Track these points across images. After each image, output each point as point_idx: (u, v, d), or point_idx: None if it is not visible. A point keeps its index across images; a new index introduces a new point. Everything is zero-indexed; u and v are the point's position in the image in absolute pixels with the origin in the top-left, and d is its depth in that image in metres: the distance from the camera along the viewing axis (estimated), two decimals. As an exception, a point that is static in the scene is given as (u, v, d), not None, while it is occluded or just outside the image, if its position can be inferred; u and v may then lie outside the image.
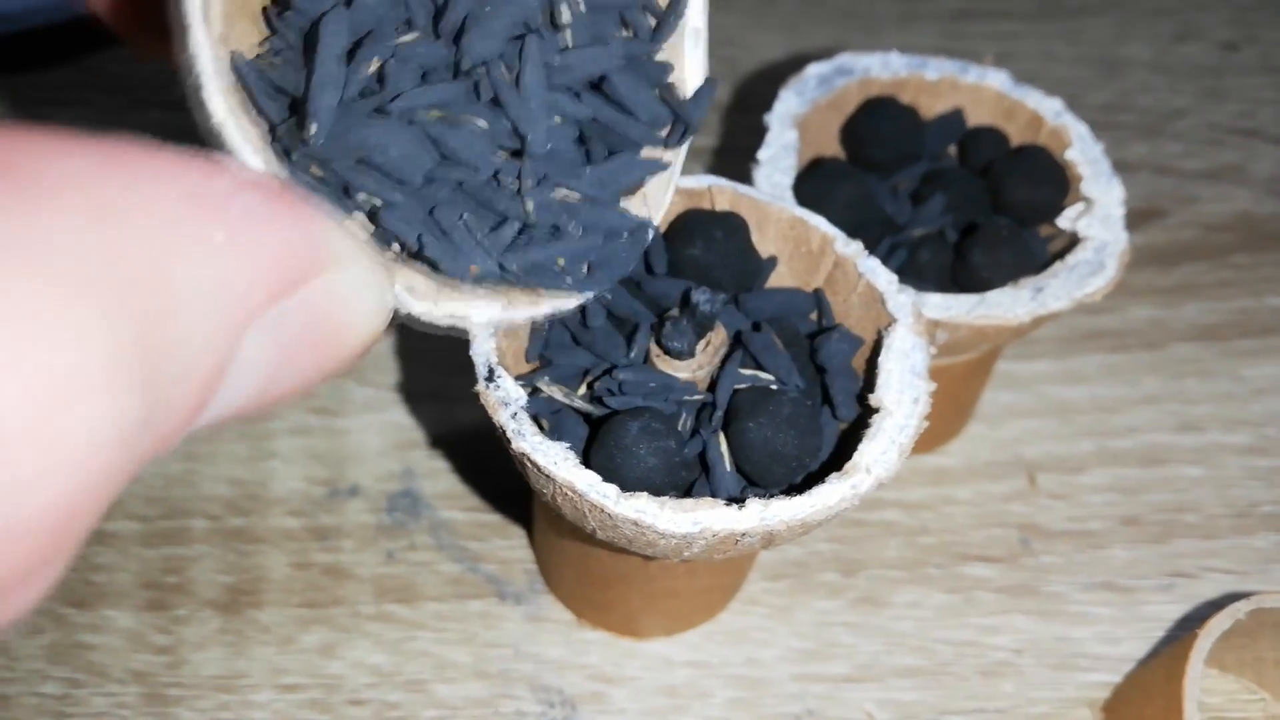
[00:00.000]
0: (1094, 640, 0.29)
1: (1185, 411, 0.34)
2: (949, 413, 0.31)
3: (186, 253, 0.12)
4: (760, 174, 0.28)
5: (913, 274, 0.28)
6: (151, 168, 0.12)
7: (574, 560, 0.27)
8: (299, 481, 0.31)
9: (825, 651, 0.29)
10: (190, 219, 0.12)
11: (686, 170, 0.44)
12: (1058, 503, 0.32)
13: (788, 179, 0.28)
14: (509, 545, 0.30)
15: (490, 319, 0.19)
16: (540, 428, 0.23)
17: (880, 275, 0.24)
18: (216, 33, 0.16)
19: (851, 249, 0.24)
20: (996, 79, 0.30)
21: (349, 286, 0.14)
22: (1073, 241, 0.28)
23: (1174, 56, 0.47)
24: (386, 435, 0.33)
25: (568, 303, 0.20)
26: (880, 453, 0.21)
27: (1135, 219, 0.40)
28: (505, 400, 0.21)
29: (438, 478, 0.32)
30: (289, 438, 0.32)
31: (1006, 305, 0.26)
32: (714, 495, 0.22)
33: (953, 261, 0.28)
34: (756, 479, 0.22)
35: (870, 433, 0.21)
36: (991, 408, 0.34)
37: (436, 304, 0.18)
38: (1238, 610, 0.25)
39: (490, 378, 0.21)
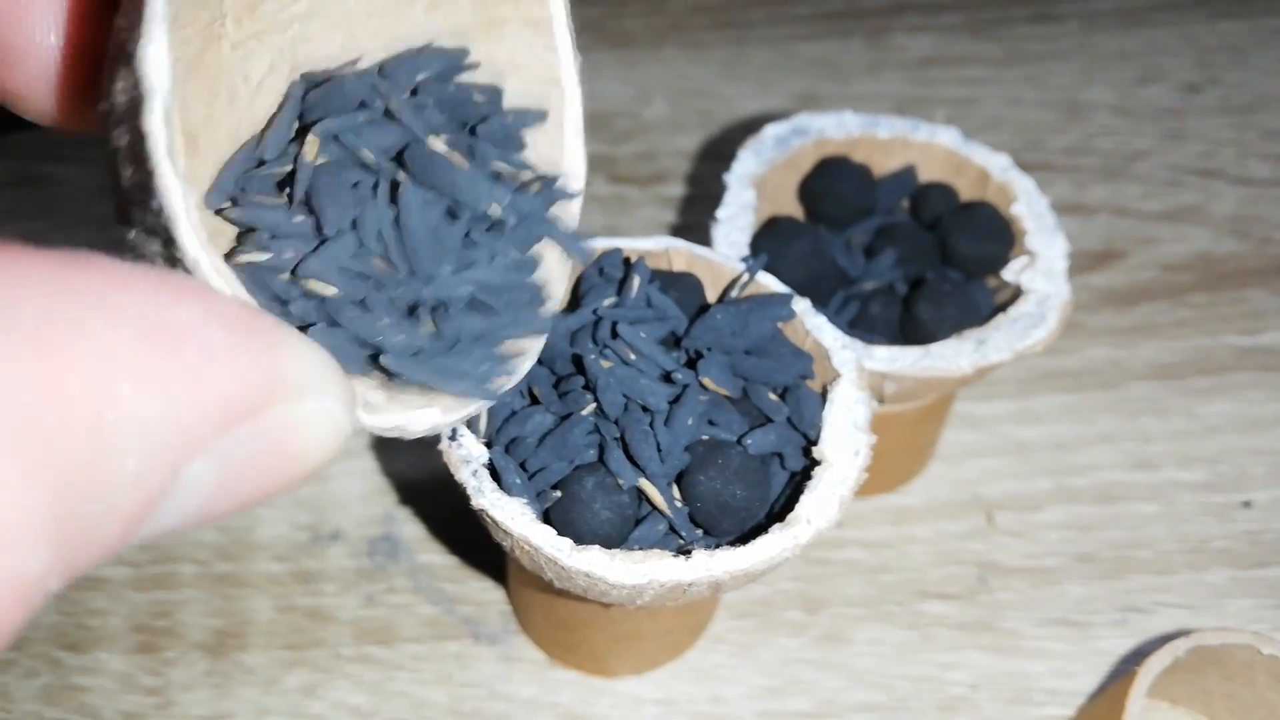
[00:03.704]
0: (1048, 675, 0.30)
1: (1141, 449, 0.36)
2: (906, 455, 0.33)
3: (129, 392, 0.11)
4: (719, 232, 0.29)
5: (864, 326, 0.29)
6: (113, 295, 0.11)
7: (542, 604, 0.28)
8: (283, 527, 0.33)
9: (788, 688, 0.30)
10: (140, 356, 0.11)
11: (660, 217, 0.45)
12: (1015, 540, 0.33)
13: (745, 237, 0.29)
14: (484, 588, 0.32)
15: (430, 426, 0.19)
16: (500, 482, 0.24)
17: (826, 332, 0.25)
18: (181, 167, 0.15)
19: (800, 306, 0.26)
20: (946, 136, 0.32)
21: (305, 416, 0.13)
22: (1017, 293, 0.29)
23: (1136, 99, 0.48)
24: (368, 482, 0.34)
25: (482, 405, 0.20)
26: (821, 504, 0.22)
27: (1095, 261, 0.41)
28: (467, 458, 0.22)
29: (416, 523, 0.33)
30: (274, 484, 0.34)
31: (950, 357, 0.27)
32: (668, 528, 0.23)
33: (900, 314, 0.29)
34: (707, 528, 0.24)
35: (811, 484, 0.23)
36: (951, 448, 0.35)
37: (383, 417, 0.18)
38: (1176, 648, 0.26)
39: (453, 436, 0.23)
